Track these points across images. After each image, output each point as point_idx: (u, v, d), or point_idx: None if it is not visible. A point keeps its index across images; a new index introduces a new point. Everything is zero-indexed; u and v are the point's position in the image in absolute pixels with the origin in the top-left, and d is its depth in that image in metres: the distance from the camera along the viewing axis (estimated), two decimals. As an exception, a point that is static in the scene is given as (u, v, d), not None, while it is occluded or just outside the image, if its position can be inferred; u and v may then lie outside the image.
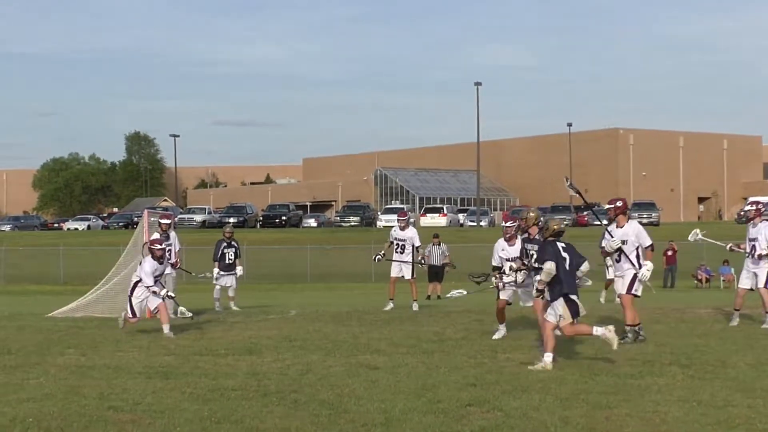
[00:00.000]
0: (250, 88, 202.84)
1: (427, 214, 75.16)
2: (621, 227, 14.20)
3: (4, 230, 78.21)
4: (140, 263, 16.66)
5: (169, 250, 18.38)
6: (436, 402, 9.27)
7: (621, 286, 14.16)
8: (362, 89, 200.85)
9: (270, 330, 16.22)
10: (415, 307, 19.89)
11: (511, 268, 14.18)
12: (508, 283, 14.40)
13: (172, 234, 19.62)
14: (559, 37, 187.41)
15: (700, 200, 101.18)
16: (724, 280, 39.35)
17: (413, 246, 20.32)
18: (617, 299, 15.21)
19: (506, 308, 14.82)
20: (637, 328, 13.96)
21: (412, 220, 25.26)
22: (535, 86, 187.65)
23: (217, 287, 21.80)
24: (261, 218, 78.54)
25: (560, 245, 12.16)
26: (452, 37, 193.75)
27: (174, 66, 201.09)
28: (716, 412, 8.76)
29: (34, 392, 10.04)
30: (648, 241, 14.06)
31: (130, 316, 16.08)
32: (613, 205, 14.37)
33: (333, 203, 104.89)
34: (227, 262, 21.81)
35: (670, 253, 38.46)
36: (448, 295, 16.49)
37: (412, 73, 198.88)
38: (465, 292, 15.45)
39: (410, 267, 20.26)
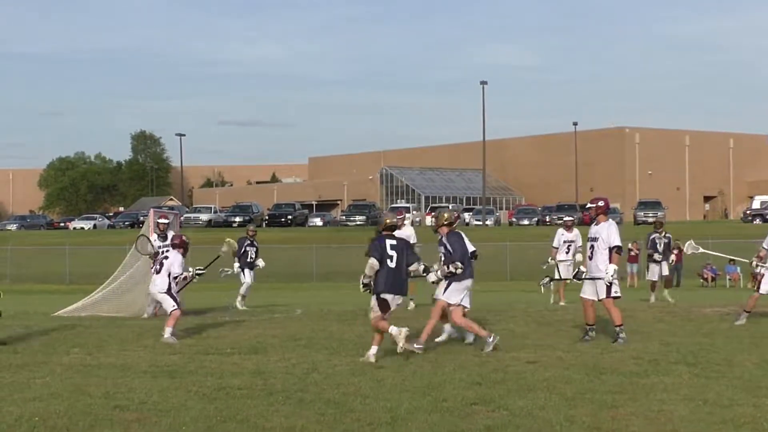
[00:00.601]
0: (256, 88, 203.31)
1: (433, 213, 75.14)
2: (597, 226, 14.16)
3: (10, 229, 78.43)
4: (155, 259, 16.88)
5: (167, 250, 17.67)
6: (442, 401, 9.27)
7: (600, 291, 13.87)
8: (367, 88, 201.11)
9: (275, 329, 16.23)
10: (411, 305, 19.86)
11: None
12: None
13: (171, 234, 19.26)
14: (563, 36, 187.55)
15: (706, 199, 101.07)
16: (730, 279, 39.29)
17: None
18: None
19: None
20: (617, 328, 13.84)
21: (410, 219, 25.58)
22: (538, 86, 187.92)
23: (246, 284, 21.89)
24: (267, 217, 78.57)
25: (389, 243, 12.42)
26: (456, 36, 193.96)
27: (179, 65, 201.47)
28: (722, 411, 8.74)
29: (40, 391, 10.05)
30: (615, 242, 13.79)
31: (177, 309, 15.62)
32: (594, 205, 14.32)
33: (339, 202, 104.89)
34: (248, 260, 22.11)
35: (676, 251, 38.39)
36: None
37: (416, 73, 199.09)
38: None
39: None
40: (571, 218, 23.72)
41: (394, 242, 12.51)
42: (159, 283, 15.58)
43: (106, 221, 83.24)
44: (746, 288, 34.04)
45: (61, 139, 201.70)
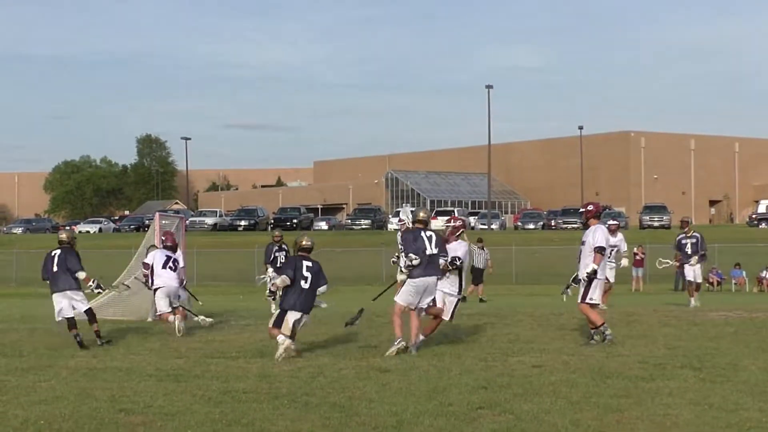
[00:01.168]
0: (260, 91, 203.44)
1: (438, 217, 75.18)
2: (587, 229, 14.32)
3: (15, 233, 78.56)
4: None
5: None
6: (447, 405, 9.26)
7: (579, 294, 14.03)
8: (372, 92, 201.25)
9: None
10: None
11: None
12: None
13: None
14: (569, 39, 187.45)
15: (712, 203, 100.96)
16: (735, 283, 39.29)
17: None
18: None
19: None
20: (601, 327, 13.91)
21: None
22: (545, 89, 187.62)
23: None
24: (272, 221, 78.64)
25: (306, 264, 13.24)
26: (462, 39, 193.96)
27: (185, 69, 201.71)
28: (728, 415, 8.74)
29: (46, 394, 10.07)
30: (598, 242, 13.89)
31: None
32: (584, 209, 14.61)
33: (344, 206, 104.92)
34: (278, 265, 22.08)
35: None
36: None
37: (422, 76, 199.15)
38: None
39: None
40: (615, 222, 23.23)
41: (310, 264, 13.34)
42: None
43: (112, 225, 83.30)
44: (752, 292, 34.00)
45: (66, 143, 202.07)
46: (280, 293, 13.48)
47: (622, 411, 8.96)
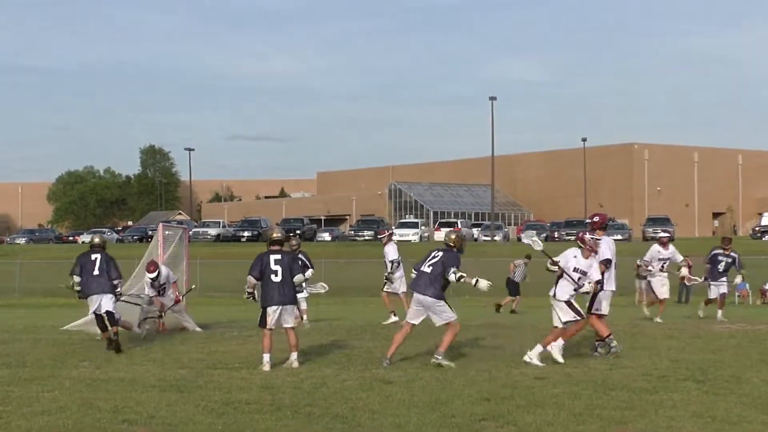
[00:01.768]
0: (264, 102, 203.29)
1: (442, 229, 75.21)
2: None
3: (19, 243, 78.60)
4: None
5: (163, 285, 18.61)
6: (450, 416, 9.26)
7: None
8: (376, 103, 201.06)
9: (284, 343, 16.17)
10: (393, 319, 20.56)
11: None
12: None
13: (164, 270, 18.91)
14: (572, 52, 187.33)
15: (715, 215, 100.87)
16: (739, 296, 39.19)
17: (390, 261, 21.26)
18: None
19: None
20: (607, 339, 13.94)
21: (396, 236, 26.33)
22: (548, 101, 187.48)
23: (304, 296, 21.23)
24: (276, 232, 78.45)
25: (273, 258, 13.28)
26: (465, 51, 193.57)
27: (189, 80, 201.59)
28: (731, 427, 8.73)
29: (49, 405, 10.07)
30: (604, 255, 13.97)
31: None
32: (590, 221, 14.78)
33: (347, 217, 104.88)
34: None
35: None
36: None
37: (425, 88, 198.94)
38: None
39: (400, 282, 21.12)
40: (667, 234, 22.84)
41: (278, 257, 13.35)
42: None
43: (115, 235, 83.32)
44: (755, 305, 33.94)
45: (70, 153, 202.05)
46: (257, 293, 13.66)
47: (625, 423, 8.95)
